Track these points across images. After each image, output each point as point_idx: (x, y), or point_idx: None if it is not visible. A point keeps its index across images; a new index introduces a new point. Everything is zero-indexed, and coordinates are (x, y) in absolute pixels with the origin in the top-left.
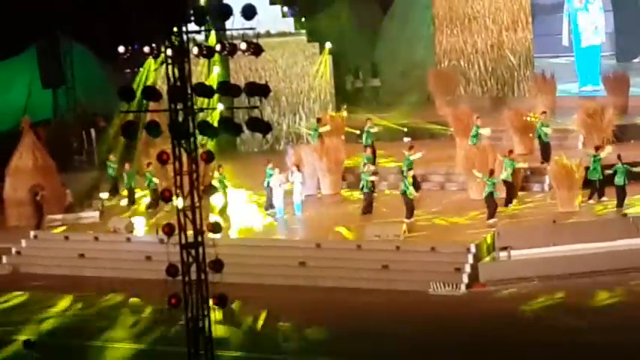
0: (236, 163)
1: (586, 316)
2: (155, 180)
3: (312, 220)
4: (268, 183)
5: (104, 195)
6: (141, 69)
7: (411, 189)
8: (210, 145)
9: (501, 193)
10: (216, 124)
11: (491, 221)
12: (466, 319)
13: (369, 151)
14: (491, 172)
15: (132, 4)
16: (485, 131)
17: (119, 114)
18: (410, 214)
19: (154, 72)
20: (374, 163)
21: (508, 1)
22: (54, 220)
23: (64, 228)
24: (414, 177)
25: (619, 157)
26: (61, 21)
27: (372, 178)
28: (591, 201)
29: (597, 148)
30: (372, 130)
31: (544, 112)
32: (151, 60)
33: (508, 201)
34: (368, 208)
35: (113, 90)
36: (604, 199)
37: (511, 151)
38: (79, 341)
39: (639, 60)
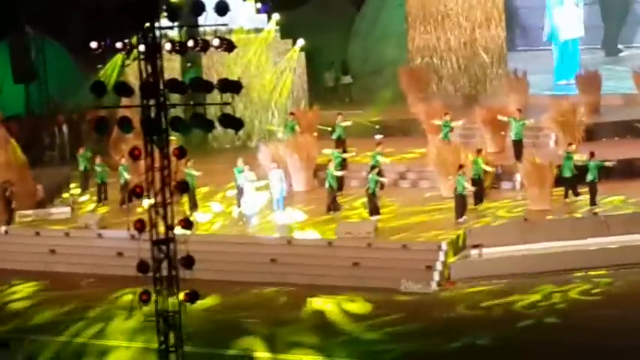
0: (207, 159)
1: (557, 315)
2: (127, 175)
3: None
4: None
5: (75, 191)
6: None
7: (375, 186)
8: (179, 140)
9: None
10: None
11: (461, 220)
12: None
13: (338, 145)
14: (460, 167)
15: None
16: (457, 123)
17: (91, 109)
18: (374, 211)
19: (120, 67)
20: (344, 160)
21: None
22: (25, 216)
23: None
24: (378, 173)
25: (592, 154)
26: (33, 15)
27: (340, 173)
28: (567, 199)
29: (569, 145)
30: (342, 124)
31: (519, 110)
32: (118, 55)
33: (477, 200)
34: (334, 205)
35: (85, 85)
36: (580, 197)
37: (479, 151)
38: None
39: (625, 53)
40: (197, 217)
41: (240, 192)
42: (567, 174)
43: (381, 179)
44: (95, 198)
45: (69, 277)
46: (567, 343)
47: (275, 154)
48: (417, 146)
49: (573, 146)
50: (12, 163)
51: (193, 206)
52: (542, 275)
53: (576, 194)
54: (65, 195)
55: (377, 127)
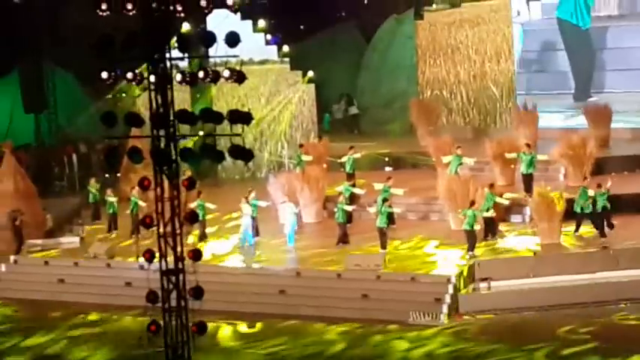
0: (217, 190)
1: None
2: (141, 203)
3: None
4: (252, 212)
5: (84, 221)
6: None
7: (383, 219)
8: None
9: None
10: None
11: (470, 253)
12: None
13: (349, 179)
14: (472, 204)
15: (116, 31)
16: (469, 160)
17: (101, 139)
18: (384, 245)
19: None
20: (352, 193)
21: (491, 32)
22: (34, 245)
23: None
24: (389, 206)
25: (599, 185)
26: (45, 46)
27: (349, 208)
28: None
29: (585, 179)
30: (353, 157)
31: (528, 145)
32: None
33: (486, 234)
34: (344, 238)
35: (95, 115)
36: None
37: (492, 185)
38: None
39: (595, 99)
40: (209, 247)
41: (252, 223)
42: (578, 209)
43: (393, 210)
44: (105, 228)
45: (77, 306)
46: None
47: (285, 186)
48: (427, 179)
49: (587, 180)
50: (21, 193)
51: (202, 237)
52: (550, 309)
53: (610, 226)
54: (74, 225)
55: (386, 159)
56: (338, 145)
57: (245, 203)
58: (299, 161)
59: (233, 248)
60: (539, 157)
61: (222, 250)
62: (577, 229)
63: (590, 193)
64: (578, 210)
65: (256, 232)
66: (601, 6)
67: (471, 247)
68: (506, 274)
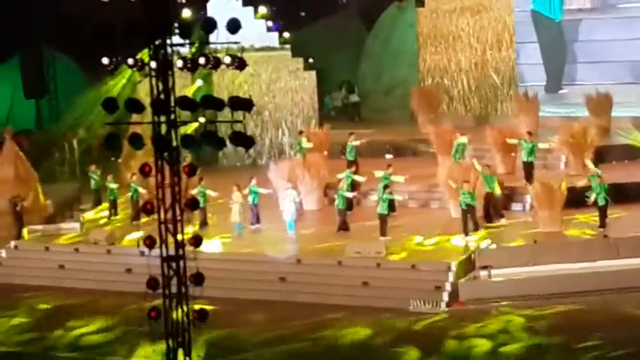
0: (218, 176)
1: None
2: (141, 190)
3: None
4: (252, 200)
5: (84, 207)
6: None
7: (384, 206)
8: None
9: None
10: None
11: (467, 237)
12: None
13: (350, 166)
14: (465, 182)
15: (117, 16)
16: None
17: (102, 125)
18: (384, 232)
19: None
20: (353, 180)
21: (492, 19)
22: (34, 231)
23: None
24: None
25: (600, 176)
26: (46, 32)
27: (350, 194)
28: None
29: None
30: (353, 144)
31: (529, 133)
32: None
33: (488, 218)
34: (344, 225)
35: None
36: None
37: (488, 166)
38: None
39: (565, 91)
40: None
41: (255, 209)
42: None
43: (394, 197)
44: (106, 214)
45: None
46: None
47: (287, 172)
48: (427, 167)
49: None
50: (22, 178)
51: (203, 224)
52: (551, 297)
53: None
54: (75, 211)
55: (387, 146)
56: (339, 132)
57: (236, 192)
58: (300, 148)
59: (232, 235)
60: (540, 145)
61: (222, 237)
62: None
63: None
64: (601, 202)
65: (257, 219)
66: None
67: (465, 231)
68: (506, 262)
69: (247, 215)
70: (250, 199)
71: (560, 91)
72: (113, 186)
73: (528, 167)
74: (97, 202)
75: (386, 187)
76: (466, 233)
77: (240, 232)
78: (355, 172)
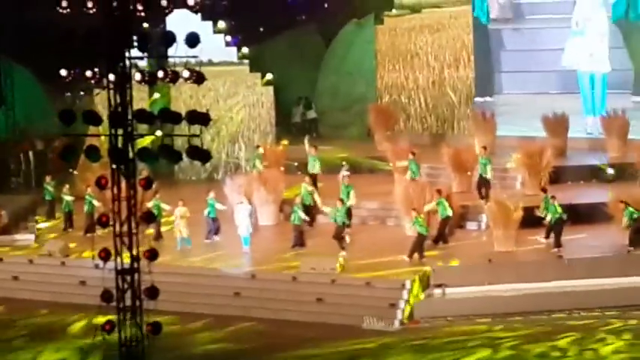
0: (173, 190)
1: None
2: (95, 203)
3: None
4: (209, 213)
5: (38, 218)
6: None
7: (343, 218)
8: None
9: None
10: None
11: (407, 259)
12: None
13: (308, 180)
14: (414, 210)
15: (76, 29)
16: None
17: (59, 136)
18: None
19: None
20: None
21: (451, 38)
22: None
23: None
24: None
25: (553, 197)
26: (3, 42)
27: (304, 216)
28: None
29: (544, 190)
30: (314, 155)
31: (484, 148)
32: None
33: (439, 239)
34: (299, 241)
35: (53, 112)
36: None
37: (439, 191)
38: None
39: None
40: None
41: (212, 223)
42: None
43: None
44: (61, 226)
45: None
46: None
47: (243, 187)
48: (383, 184)
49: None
50: None
51: (158, 237)
52: (505, 316)
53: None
54: (30, 222)
55: (343, 163)
56: (296, 147)
57: (181, 207)
58: (254, 164)
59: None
60: (508, 165)
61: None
62: (547, 236)
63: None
64: (550, 219)
65: (216, 232)
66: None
67: (411, 253)
68: (461, 280)
69: (198, 229)
70: (206, 212)
71: (487, 99)
72: (68, 198)
73: (484, 183)
74: (51, 214)
75: (342, 200)
76: (410, 256)
77: (183, 246)
78: (314, 185)
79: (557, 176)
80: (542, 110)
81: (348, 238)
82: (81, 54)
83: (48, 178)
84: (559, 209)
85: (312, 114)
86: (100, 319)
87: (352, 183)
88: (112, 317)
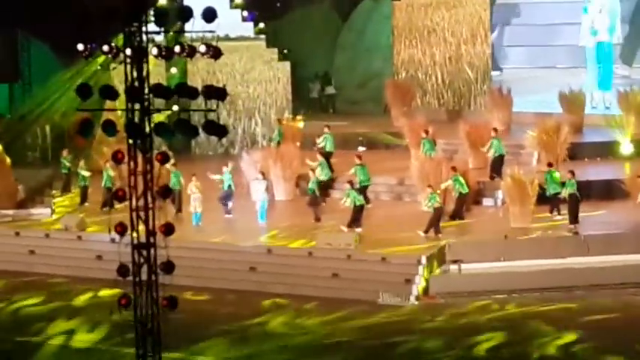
0: (190, 165)
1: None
2: (111, 173)
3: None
4: (229, 185)
5: (55, 192)
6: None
7: (359, 197)
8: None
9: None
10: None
11: (423, 235)
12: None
13: (319, 157)
14: (429, 187)
15: (93, 3)
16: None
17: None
18: (353, 222)
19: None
20: (332, 170)
21: (468, 14)
22: (5, 216)
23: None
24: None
25: (572, 172)
26: (20, 16)
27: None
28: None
29: (550, 165)
30: (329, 136)
31: (495, 129)
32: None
33: (455, 216)
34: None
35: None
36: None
37: (454, 168)
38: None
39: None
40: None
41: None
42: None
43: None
44: (78, 200)
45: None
46: None
47: (259, 162)
48: (400, 160)
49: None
50: None
51: (178, 210)
52: (520, 293)
53: (558, 212)
54: (46, 197)
55: (360, 138)
56: (313, 123)
57: (195, 181)
58: (277, 136)
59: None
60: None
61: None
62: (552, 211)
63: (556, 175)
64: (551, 192)
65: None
66: None
67: (427, 229)
68: (477, 256)
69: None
70: (226, 184)
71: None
72: (85, 173)
73: (498, 162)
74: (66, 187)
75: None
76: (426, 232)
77: (197, 223)
78: (328, 164)
79: (574, 153)
80: (548, 85)
81: (345, 228)
82: (99, 28)
83: (65, 152)
84: (558, 186)
85: (330, 90)
86: (106, 292)
87: (365, 162)
88: (121, 292)
